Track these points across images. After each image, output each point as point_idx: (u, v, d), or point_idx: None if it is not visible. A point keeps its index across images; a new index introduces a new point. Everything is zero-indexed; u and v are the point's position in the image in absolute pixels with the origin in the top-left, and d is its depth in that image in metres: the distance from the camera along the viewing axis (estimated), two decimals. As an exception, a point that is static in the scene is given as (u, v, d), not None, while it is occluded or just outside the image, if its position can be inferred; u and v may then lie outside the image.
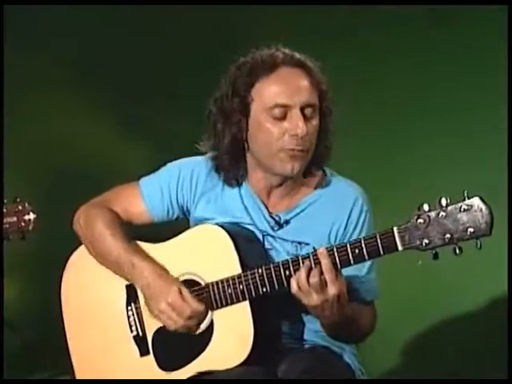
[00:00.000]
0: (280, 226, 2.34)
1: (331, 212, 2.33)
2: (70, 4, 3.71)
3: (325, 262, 2.10)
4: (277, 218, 2.35)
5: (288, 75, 2.27)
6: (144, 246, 2.39)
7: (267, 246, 2.34)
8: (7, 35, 3.59)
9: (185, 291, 2.26)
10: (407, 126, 3.72)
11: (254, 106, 2.28)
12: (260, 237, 2.34)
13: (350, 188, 2.37)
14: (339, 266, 2.12)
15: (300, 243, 2.32)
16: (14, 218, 2.68)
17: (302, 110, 2.24)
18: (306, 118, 2.25)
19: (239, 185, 2.39)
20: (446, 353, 3.57)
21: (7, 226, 2.67)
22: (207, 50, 3.82)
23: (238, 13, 3.81)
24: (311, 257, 2.13)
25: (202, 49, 3.84)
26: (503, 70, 3.42)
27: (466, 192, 2.00)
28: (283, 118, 2.25)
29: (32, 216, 2.70)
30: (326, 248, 2.12)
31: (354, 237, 2.30)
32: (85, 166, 3.81)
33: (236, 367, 2.19)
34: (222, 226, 2.28)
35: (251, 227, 2.35)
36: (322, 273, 2.10)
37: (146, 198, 2.44)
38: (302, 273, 2.12)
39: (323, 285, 2.10)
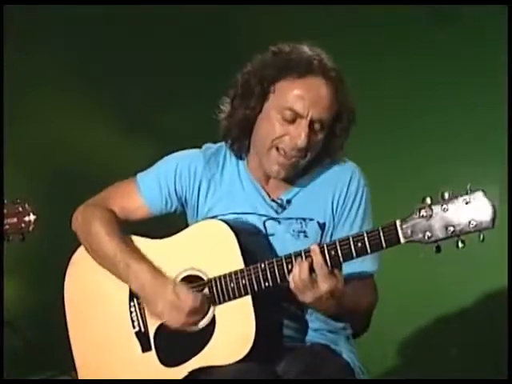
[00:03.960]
0: (283, 208, 2.37)
1: (330, 185, 2.36)
2: (70, 4, 3.71)
3: (316, 259, 2.10)
4: (279, 201, 2.37)
5: (313, 86, 2.26)
6: (145, 241, 2.38)
7: (269, 231, 2.35)
8: (7, 35, 3.59)
9: (180, 289, 2.25)
10: (407, 126, 3.73)
11: (271, 99, 2.30)
12: (262, 226, 2.35)
13: (346, 164, 2.40)
14: (341, 260, 2.11)
15: (304, 219, 2.34)
16: (15, 219, 2.67)
17: (311, 123, 2.26)
18: (311, 131, 2.27)
19: (241, 159, 2.41)
20: (446, 352, 3.57)
21: (7, 227, 2.65)
22: (207, 50, 3.82)
23: (238, 13, 3.82)
24: (303, 253, 2.13)
25: (202, 49, 3.84)
26: (503, 69, 3.43)
27: (468, 186, 1.99)
28: (292, 122, 2.26)
29: (32, 217, 2.68)
30: (318, 244, 2.12)
31: (353, 210, 2.35)
32: (85, 166, 3.80)
33: (235, 363, 2.18)
34: (224, 221, 2.28)
35: (252, 216, 2.36)
36: (313, 269, 2.10)
37: (143, 191, 2.44)
38: (296, 270, 2.12)
39: (314, 281, 2.10)
